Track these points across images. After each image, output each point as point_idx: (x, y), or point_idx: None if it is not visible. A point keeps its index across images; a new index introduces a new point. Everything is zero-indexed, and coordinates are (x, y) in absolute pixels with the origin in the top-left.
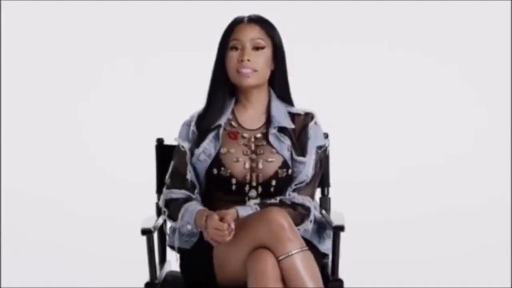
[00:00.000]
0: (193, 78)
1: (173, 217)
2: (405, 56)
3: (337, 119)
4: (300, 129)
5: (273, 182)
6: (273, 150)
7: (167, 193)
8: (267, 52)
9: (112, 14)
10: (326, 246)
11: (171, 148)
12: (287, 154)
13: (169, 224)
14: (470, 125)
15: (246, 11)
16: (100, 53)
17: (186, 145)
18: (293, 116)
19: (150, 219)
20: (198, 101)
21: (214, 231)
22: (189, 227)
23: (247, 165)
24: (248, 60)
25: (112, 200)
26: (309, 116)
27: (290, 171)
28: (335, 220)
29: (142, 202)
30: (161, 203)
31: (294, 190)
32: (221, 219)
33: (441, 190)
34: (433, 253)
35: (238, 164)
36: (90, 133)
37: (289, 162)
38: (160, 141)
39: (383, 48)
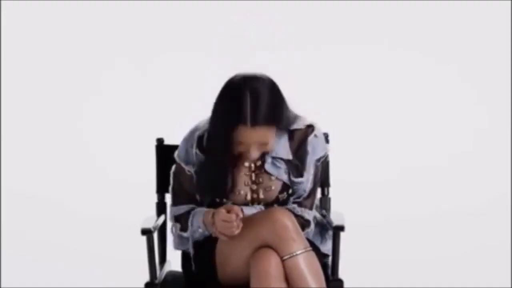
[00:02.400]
0: (193, 78)
1: (184, 228)
2: (405, 56)
3: (337, 119)
4: (299, 142)
5: (275, 206)
6: (272, 177)
7: (176, 210)
8: (272, 138)
9: (112, 14)
10: (327, 247)
11: (171, 148)
12: (285, 177)
13: (178, 232)
14: (470, 125)
15: (246, 12)
16: (100, 53)
17: (191, 169)
18: (293, 131)
19: (150, 219)
20: (197, 101)
21: (222, 223)
22: (200, 230)
23: (249, 197)
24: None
25: (112, 200)
26: (309, 129)
27: (290, 191)
28: (335, 220)
29: (142, 202)
30: (170, 221)
31: (293, 202)
32: (228, 212)
33: (441, 190)
34: (433, 253)
35: (240, 196)
36: (90, 133)
37: (288, 182)
38: (160, 141)
39: (383, 48)
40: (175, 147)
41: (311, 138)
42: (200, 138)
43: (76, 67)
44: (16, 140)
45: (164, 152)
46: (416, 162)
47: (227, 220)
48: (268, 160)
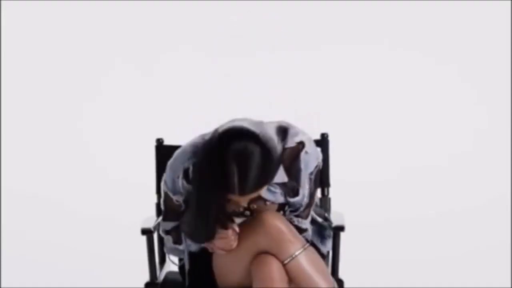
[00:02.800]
0: (193, 78)
1: (178, 242)
2: (405, 56)
3: (337, 119)
4: (291, 160)
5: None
6: (267, 202)
7: (166, 225)
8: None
9: (112, 14)
10: (327, 245)
11: (171, 148)
12: (282, 199)
13: (171, 245)
14: (470, 125)
15: (246, 11)
16: (100, 53)
17: (179, 198)
18: (284, 150)
19: (150, 219)
20: (197, 102)
21: (220, 240)
22: None
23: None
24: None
25: (112, 200)
26: (300, 146)
27: (286, 207)
28: (335, 220)
29: (142, 202)
30: (162, 234)
31: (290, 213)
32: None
33: (441, 190)
34: (433, 253)
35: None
36: (90, 133)
37: (285, 202)
38: (160, 142)
39: (383, 48)
40: (175, 148)
41: (302, 155)
42: (186, 170)
43: (76, 68)
44: (16, 140)
45: (164, 152)
46: (416, 162)
47: (223, 237)
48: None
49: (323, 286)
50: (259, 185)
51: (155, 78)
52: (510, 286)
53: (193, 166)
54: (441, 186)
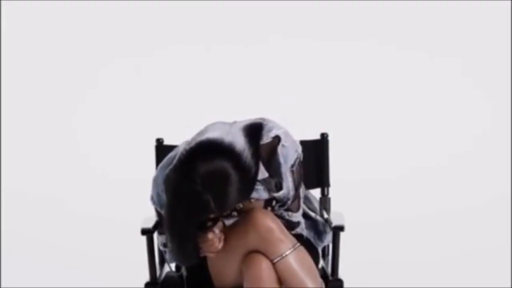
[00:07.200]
0: (192, 78)
1: None
2: (406, 56)
3: (337, 119)
4: (269, 155)
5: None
6: (252, 199)
7: (162, 238)
8: None
9: (110, 11)
10: (324, 240)
11: (171, 148)
12: (266, 195)
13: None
14: (470, 125)
15: (244, 8)
16: (98, 52)
17: None
18: (261, 146)
19: (150, 219)
20: (197, 101)
21: (203, 244)
22: None
23: (228, 223)
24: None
25: (112, 200)
26: (276, 139)
27: (274, 203)
28: (335, 220)
29: (142, 202)
30: (160, 247)
31: (279, 208)
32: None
33: (441, 190)
34: (433, 253)
35: (219, 223)
36: (91, 133)
37: (269, 196)
38: (160, 142)
39: (383, 48)
40: (174, 147)
41: (279, 148)
42: None
43: (76, 66)
44: (16, 140)
45: (163, 152)
46: (416, 161)
47: (205, 240)
48: None
49: (311, 287)
50: (239, 201)
51: (155, 78)
52: (510, 286)
53: (165, 192)
54: (441, 186)
